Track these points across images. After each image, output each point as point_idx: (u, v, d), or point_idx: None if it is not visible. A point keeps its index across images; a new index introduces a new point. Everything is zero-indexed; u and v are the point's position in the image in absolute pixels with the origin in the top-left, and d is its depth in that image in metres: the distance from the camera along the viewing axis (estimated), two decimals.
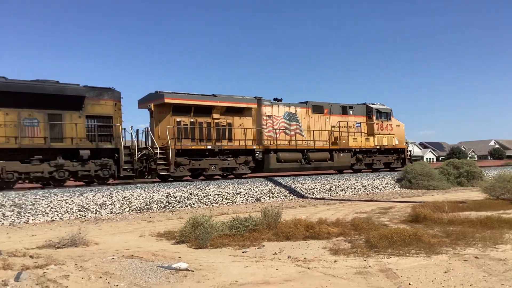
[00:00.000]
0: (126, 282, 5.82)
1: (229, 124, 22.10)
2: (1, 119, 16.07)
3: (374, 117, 27.45)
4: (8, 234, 10.62)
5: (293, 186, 19.61)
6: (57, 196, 14.12)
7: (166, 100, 20.05)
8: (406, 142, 29.96)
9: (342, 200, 17.54)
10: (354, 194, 20.06)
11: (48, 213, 13.27)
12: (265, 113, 23.22)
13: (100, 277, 5.95)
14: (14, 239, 9.78)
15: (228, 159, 21.47)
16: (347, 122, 26.35)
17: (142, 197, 15.33)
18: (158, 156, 19.12)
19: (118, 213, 14.21)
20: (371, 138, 27.01)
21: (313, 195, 19.19)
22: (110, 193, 14.98)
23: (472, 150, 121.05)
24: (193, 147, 20.57)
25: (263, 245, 8.29)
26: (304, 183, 20.12)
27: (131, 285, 5.73)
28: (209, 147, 20.91)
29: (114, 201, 14.63)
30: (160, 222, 12.29)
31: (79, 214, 13.65)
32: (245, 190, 17.90)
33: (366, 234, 8.56)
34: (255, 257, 7.41)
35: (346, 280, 5.92)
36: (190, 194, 16.38)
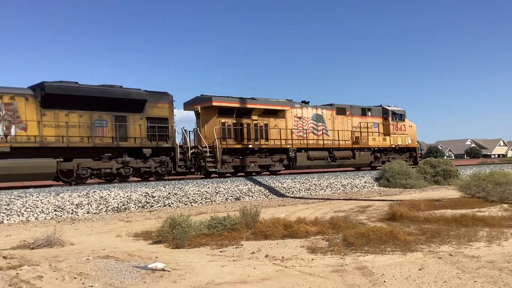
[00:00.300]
0: (101, 283, 5.75)
1: (266, 125, 24.17)
2: (75, 121, 17.77)
3: (390, 118, 29.91)
4: None
5: (273, 185, 19.64)
6: (32, 196, 13.89)
7: (214, 103, 21.98)
8: (418, 142, 32.45)
9: (322, 199, 17.63)
10: (334, 193, 20.18)
11: (23, 213, 13.05)
12: (296, 114, 25.43)
13: (75, 278, 5.88)
14: None
15: (265, 157, 23.59)
16: (367, 123, 28.72)
17: (120, 196, 15.17)
18: (208, 154, 21.10)
19: (95, 213, 14.04)
20: (387, 137, 29.42)
21: (292, 194, 19.24)
22: (86, 193, 14.79)
23: (449, 149, 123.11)
24: (236, 146, 22.60)
25: (241, 245, 8.28)
26: (283, 182, 20.16)
27: (106, 286, 5.67)
28: (250, 146, 22.94)
29: (91, 201, 14.46)
30: (138, 222, 12.18)
31: (55, 214, 13.45)
32: (224, 189, 17.86)
33: (343, 233, 8.63)
34: (233, 256, 7.40)
35: (322, 278, 5.95)
36: (169, 193, 16.28)
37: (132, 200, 15.22)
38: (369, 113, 29.22)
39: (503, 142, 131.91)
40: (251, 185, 19.06)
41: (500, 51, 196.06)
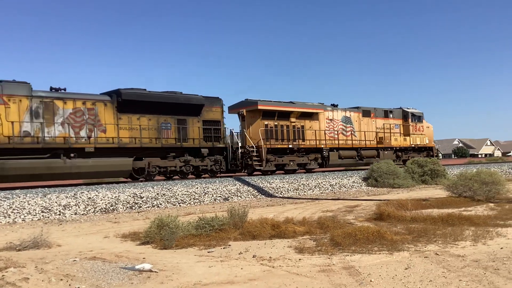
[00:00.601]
0: (87, 284, 5.72)
1: (302, 127, 26.06)
2: (145, 124, 19.83)
3: (410, 120, 32.04)
4: None
5: (261, 185, 19.65)
6: (19, 197, 13.77)
7: (259, 107, 23.87)
8: (434, 142, 34.90)
9: (310, 199, 17.68)
10: (322, 193, 20.25)
11: (10, 215, 12.92)
12: (327, 117, 27.51)
13: (61, 280, 5.85)
14: None
15: (302, 156, 25.58)
16: (389, 124, 30.86)
17: (108, 197, 15.09)
18: (254, 153, 23.12)
19: (82, 214, 13.95)
20: (407, 138, 31.67)
21: (281, 194, 19.27)
22: (74, 194, 14.70)
23: (437, 149, 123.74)
24: (278, 146, 24.60)
25: (229, 245, 8.28)
26: (272, 182, 20.19)
27: (92, 287, 5.64)
28: (290, 146, 24.99)
29: (79, 202, 14.37)
30: (126, 223, 12.13)
31: (42, 216, 13.34)
32: (213, 189, 17.84)
33: (331, 233, 8.67)
34: (221, 257, 7.40)
35: (309, 278, 5.98)
36: (157, 194, 16.22)
37: (120, 201, 15.15)
38: (391, 115, 31.38)
39: (490, 142, 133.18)
40: (240, 185, 19.06)
41: (486, 51, 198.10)
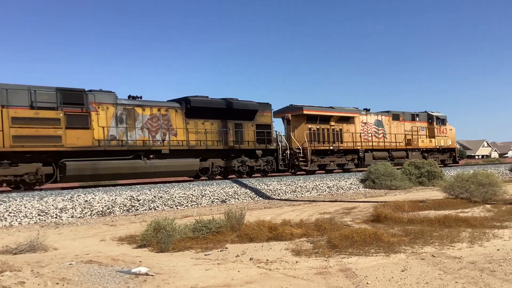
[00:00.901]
0: None
1: (340, 130, 28.19)
2: (209, 128, 21.87)
3: (434, 123, 34.19)
4: None
5: (259, 187, 19.64)
6: (15, 200, 13.72)
7: (304, 112, 26.10)
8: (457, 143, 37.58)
9: (307, 201, 17.67)
10: (319, 195, 20.25)
11: (6, 218, 12.88)
12: (362, 120, 29.53)
13: (57, 283, 5.83)
14: None
15: (340, 157, 27.81)
16: (416, 127, 32.95)
17: (104, 200, 15.06)
18: (301, 154, 25.26)
19: (79, 217, 13.92)
20: (432, 139, 33.84)
21: (278, 196, 19.27)
22: (71, 197, 14.65)
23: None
24: (321, 148, 26.79)
25: (226, 248, 8.27)
26: (270, 184, 20.18)
27: None
28: (331, 147, 27.26)
29: (75, 205, 14.33)
30: (123, 226, 12.10)
31: (39, 219, 13.30)
32: (210, 192, 17.82)
33: (328, 235, 8.66)
34: (218, 259, 7.39)
35: (306, 280, 5.97)
36: (154, 197, 16.20)
37: (117, 204, 15.12)
38: (417, 118, 33.47)
39: (487, 143, 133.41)
40: (237, 187, 19.05)
41: (484, 52, 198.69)
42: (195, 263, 7.17)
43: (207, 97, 22.32)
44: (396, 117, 31.96)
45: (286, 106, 27.23)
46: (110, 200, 15.13)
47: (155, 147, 20.11)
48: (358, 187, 22.38)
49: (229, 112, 22.65)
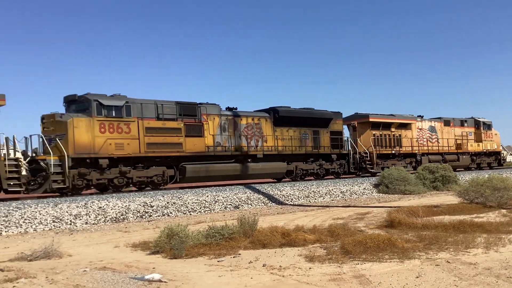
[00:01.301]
0: None
1: (399, 135, 30.47)
2: (292, 134, 24.59)
3: (481, 128, 36.30)
4: None
5: (272, 193, 19.62)
6: (31, 207, 13.87)
7: (370, 119, 28.65)
8: (502, 147, 40.25)
9: (320, 206, 17.61)
10: (333, 200, 20.17)
11: (21, 225, 13.02)
12: (418, 126, 31.80)
13: None
14: None
15: (400, 160, 29.79)
16: (465, 132, 35.21)
17: (118, 207, 15.15)
18: (368, 158, 27.96)
19: (93, 224, 14.01)
20: (480, 144, 35.96)
21: (291, 201, 19.23)
22: (85, 204, 14.77)
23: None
24: (384, 152, 29.23)
25: (239, 254, 8.27)
26: (282, 190, 20.15)
27: None
28: (392, 152, 29.60)
29: (89, 212, 14.43)
30: (136, 232, 12.16)
31: (54, 225, 13.42)
32: (223, 197, 17.85)
33: (341, 241, 8.62)
34: (231, 266, 7.39)
35: (319, 287, 5.94)
36: (168, 203, 16.26)
37: (131, 210, 15.20)
38: (465, 124, 35.56)
39: (502, 147, 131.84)
40: (250, 193, 19.05)
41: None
42: (208, 269, 7.18)
43: (289, 107, 25.24)
44: (447, 123, 34.16)
45: (352, 114, 29.90)
46: (123, 207, 15.22)
47: (252, 152, 22.91)
48: (372, 192, 22.26)
49: (308, 120, 25.31)
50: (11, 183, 16.01)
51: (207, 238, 9.11)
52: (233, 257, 8.04)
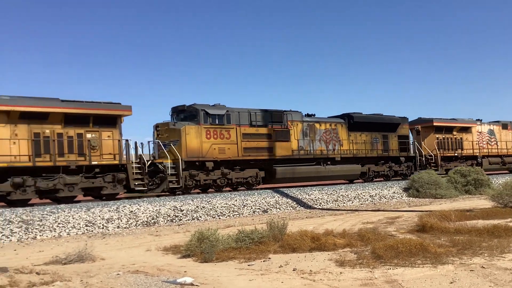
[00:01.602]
0: None
1: (461, 138, 31.95)
2: (365, 139, 26.04)
3: None
4: (15, 251, 10.68)
5: (300, 197, 19.57)
6: (64, 211, 14.19)
7: (434, 124, 30.20)
8: None
9: (349, 210, 17.47)
10: (362, 204, 19.99)
11: (55, 229, 13.33)
12: (477, 130, 33.16)
13: None
14: (21, 256, 9.83)
15: (461, 162, 30.86)
16: None
17: (149, 211, 15.36)
18: (433, 160, 29.49)
19: (125, 228, 14.24)
20: None
21: (320, 205, 19.13)
22: (117, 208, 15.03)
23: None
24: (447, 154, 30.75)
25: (269, 258, 8.28)
26: (311, 194, 20.08)
27: None
28: (455, 154, 31.16)
29: (121, 216, 14.68)
30: (167, 236, 12.30)
31: (86, 229, 13.69)
32: (252, 202, 17.89)
33: (372, 245, 8.54)
34: (261, 270, 7.40)
35: None
36: (197, 207, 16.40)
37: (161, 214, 15.39)
38: None
39: None
40: (278, 197, 19.05)
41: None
42: (238, 273, 7.21)
43: (361, 113, 26.90)
44: (505, 126, 35.52)
45: (415, 119, 31.41)
46: (154, 211, 15.42)
47: (331, 155, 24.60)
48: (401, 196, 21.97)
49: (378, 125, 26.89)
50: (136, 183, 18.15)
51: (237, 242, 9.15)
52: (263, 261, 8.06)
